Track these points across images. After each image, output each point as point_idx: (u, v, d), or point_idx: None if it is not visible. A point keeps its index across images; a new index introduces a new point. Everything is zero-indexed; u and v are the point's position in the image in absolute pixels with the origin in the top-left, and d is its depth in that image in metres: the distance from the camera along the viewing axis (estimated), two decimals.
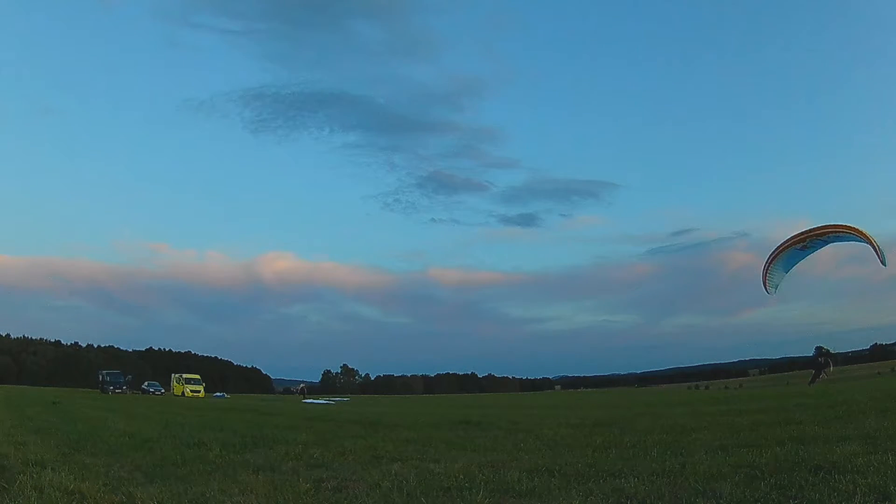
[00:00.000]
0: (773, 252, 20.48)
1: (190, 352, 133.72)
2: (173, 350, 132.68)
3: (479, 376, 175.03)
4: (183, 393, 54.17)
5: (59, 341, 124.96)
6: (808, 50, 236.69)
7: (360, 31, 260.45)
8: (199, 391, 55.53)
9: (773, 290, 21.15)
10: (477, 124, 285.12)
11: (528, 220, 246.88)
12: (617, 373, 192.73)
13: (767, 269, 20.82)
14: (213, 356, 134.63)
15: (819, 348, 26.36)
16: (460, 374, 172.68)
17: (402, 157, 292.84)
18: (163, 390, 56.37)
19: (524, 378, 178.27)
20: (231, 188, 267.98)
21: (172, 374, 61.19)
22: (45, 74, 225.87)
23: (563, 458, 7.02)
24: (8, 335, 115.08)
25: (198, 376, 61.16)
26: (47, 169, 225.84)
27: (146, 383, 59.37)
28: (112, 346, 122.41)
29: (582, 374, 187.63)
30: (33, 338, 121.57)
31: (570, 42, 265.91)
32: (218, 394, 64.19)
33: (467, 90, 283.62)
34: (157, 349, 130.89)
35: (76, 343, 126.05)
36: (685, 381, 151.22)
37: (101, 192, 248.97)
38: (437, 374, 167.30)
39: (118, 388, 50.29)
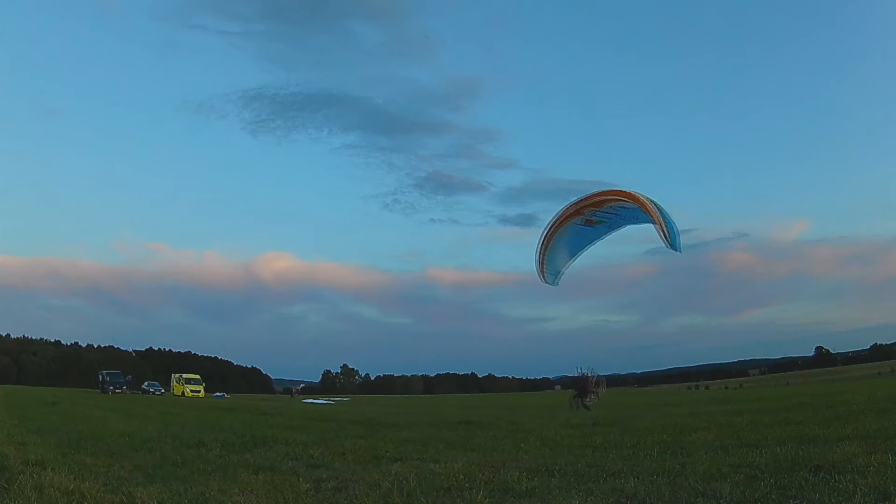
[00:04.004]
0: (550, 226, 14.60)
1: (190, 352, 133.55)
2: (173, 350, 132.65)
3: (479, 376, 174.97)
4: (183, 393, 54.11)
5: (59, 341, 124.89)
6: (808, 49, 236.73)
7: (358, 32, 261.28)
8: (199, 391, 55.47)
9: (554, 279, 15.11)
10: (476, 125, 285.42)
11: (527, 221, 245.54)
12: (617, 373, 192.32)
13: (545, 250, 14.65)
14: (213, 356, 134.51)
15: (591, 375, 20.93)
16: (460, 374, 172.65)
17: (401, 158, 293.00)
18: (163, 390, 56.28)
19: (524, 378, 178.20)
20: (230, 189, 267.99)
21: (172, 374, 61.08)
22: (44, 75, 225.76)
23: (563, 458, 7.02)
24: (8, 335, 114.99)
25: (198, 376, 61.06)
26: (47, 169, 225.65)
27: (146, 383, 59.25)
28: (112, 346, 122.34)
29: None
30: (33, 338, 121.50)
31: (569, 42, 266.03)
32: (218, 394, 64.14)
33: (466, 91, 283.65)
34: (157, 349, 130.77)
35: (76, 343, 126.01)
36: (685, 381, 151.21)
37: (101, 193, 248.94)
38: (437, 374, 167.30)
39: (118, 389, 50.15)
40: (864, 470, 5.01)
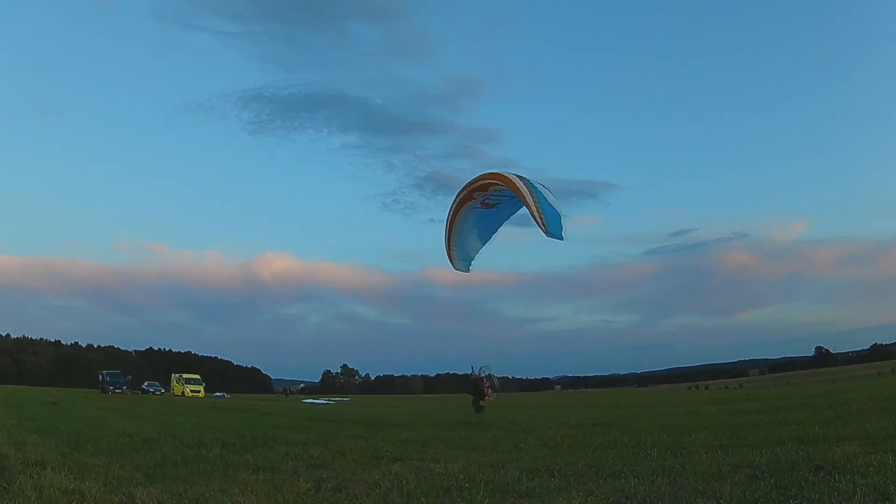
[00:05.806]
0: (448, 213, 14.36)
1: (190, 352, 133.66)
2: (173, 350, 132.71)
3: None
4: (183, 393, 54.13)
5: (59, 341, 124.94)
6: (807, 49, 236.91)
7: (357, 32, 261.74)
8: (199, 391, 55.49)
9: (464, 264, 14.80)
10: (475, 125, 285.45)
11: (526, 221, 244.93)
12: (617, 373, 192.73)
13: (449, 237, 14.38)
14: (213, 356, 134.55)
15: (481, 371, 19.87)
16: (460, 374, 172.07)
17: (401, 158, 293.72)
18: (163, 390, 56.32)
19: (524, 378, 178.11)
20: (229, 189, 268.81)
21: (172, 374, 61.11)
22: (45, 74, 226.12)
23: (563, 458, 7.02)
24: (8, 335, 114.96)
25: (198, 376, 61.09)
26: (47, 169, 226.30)
27: (146, 383, 59.29)
28: (112, 346, 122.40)
29: (582, 374, 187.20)
30: (33, 338, 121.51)
31: (568, 42, 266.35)
32: (218, 394, 64.14)
33: (465, 91, 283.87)
34: (157, 349, 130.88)
35: (76, 343, 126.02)
36: (685, 381, 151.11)
37: (101, 193, 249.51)
38: (437, 374, 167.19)
39: (118, 389, 50.17)
40: (864, 470, 5.01)
